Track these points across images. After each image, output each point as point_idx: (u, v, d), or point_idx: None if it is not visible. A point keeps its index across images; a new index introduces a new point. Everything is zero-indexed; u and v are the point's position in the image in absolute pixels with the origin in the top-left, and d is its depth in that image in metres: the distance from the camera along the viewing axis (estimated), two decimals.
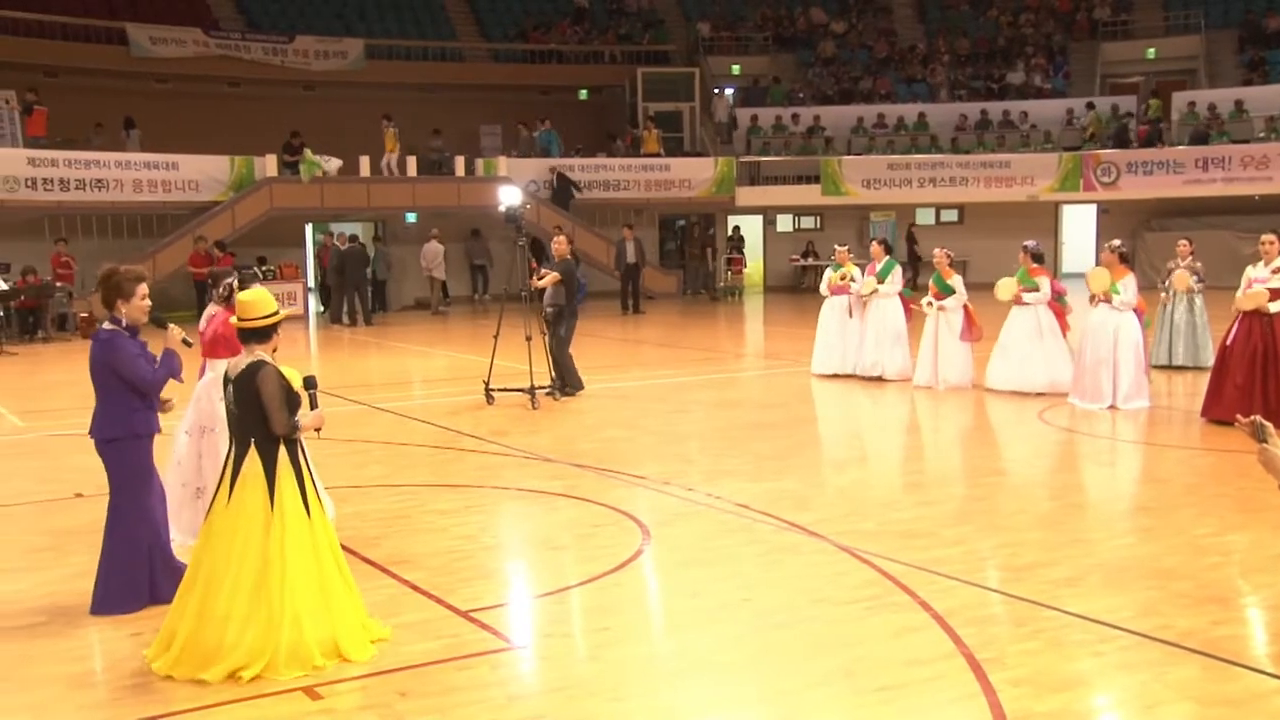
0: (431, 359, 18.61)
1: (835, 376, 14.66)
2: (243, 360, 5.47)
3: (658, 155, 30.46)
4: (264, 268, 25.82)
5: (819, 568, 6.87)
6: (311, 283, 27.62)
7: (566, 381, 13.41)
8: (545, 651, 5.64)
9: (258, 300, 5.53)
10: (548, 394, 13.10)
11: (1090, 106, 31.30)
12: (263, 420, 5.40)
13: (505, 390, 12.97)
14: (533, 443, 10.89)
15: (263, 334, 5.49)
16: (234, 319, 5.56)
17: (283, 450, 5.45)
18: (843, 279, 14.88)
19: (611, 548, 7.34)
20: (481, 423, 11.99)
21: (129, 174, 24.72)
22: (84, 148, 25.23)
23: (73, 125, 25.87)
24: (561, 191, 28.33)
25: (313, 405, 5.61)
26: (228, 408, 5.54)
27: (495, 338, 13.05)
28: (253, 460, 5.41)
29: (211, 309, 7.94)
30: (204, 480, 7.39)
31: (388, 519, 8.20)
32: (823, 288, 15.29)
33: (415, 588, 6.59)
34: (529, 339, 12.71)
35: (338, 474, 9.70)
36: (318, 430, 5.64)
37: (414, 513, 8.39)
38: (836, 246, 15.49)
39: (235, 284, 7.64)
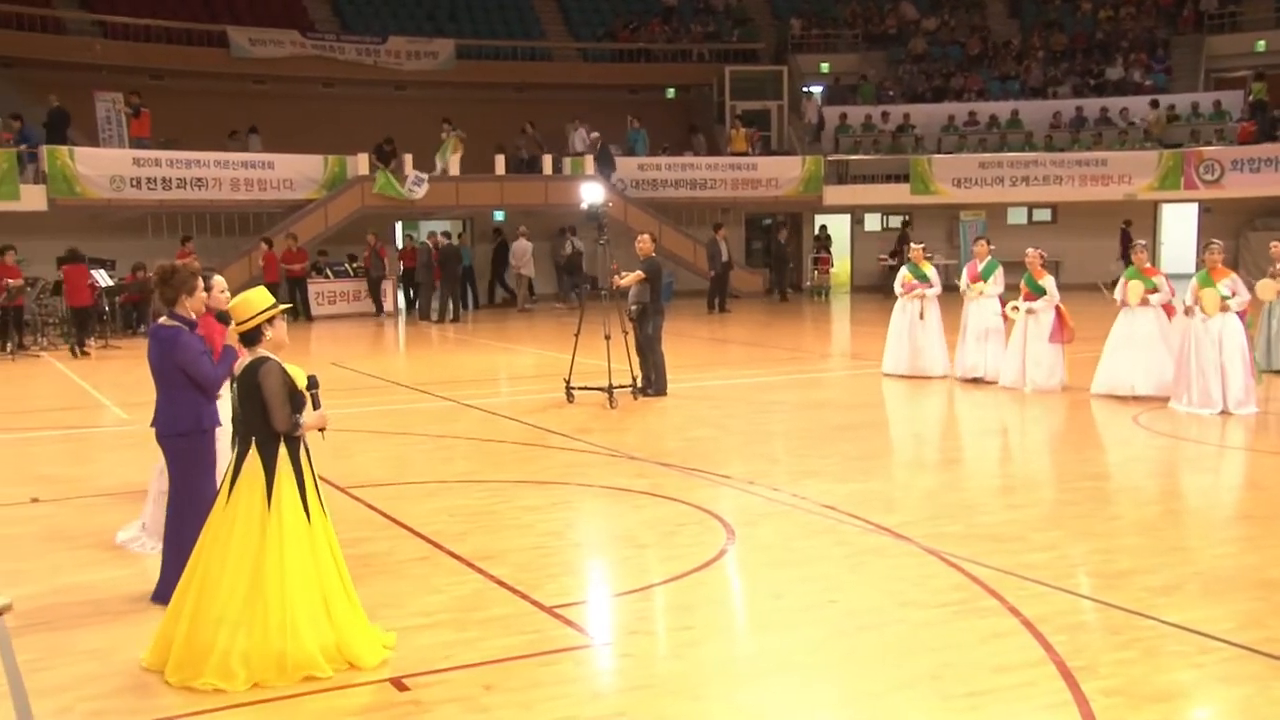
0: (518, 356, 18.77)
1: (907, 377, 14.54)
2: (246, 358, 5.49)
3: (746, 154, 30.33)
4: (354, 264, 26.32)
5: (905, 570, 6.79)
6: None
7: (655, 381, 13.44)
8: (627, 649, 5.64)
9: (243, 303, 5.51)
10: (631, 392, 13.11)
11: (1154, 105, 30.46)
12: (264, 418, 5.37)
13: (585, 389, 13.04)
14: (618, 441, 10.92)
15: (251, 336, 5.47)
16: (232, 325, 5.56)
17: (283, 450, 5.41)
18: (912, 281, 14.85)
19: (695, 547, 7.33)
20: (567, 420, 12.06)
21: (227, 173, 25.35)
22: (222, 149, 25.91)
23: (175, 126, 26.62)
24: (603, 160, 28.30)
25: (315, 405, 5.53)
26: (233, 406, 5.55)
27: (576, 336, 13.12)
28: (253, 459, 5.37)
29: None
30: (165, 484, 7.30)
31: (474, 514, 8.28)
32: (896, 286, 15.15)
33: (500, 583, 6.65)
34: (608, 337, 12.73)
35: (425, 469, 9.85)
36: (321, 431, 5.57)
37: (500, 508, 8.47)
38: (912, 245, 15.31)
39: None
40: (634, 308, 13.42)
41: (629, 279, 13.29)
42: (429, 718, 4.90)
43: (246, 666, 5.17)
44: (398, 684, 5.21)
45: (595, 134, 28.70)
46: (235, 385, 5.49)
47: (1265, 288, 14.19)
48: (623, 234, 27.47)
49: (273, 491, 5.34)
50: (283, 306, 5.59)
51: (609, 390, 12.73)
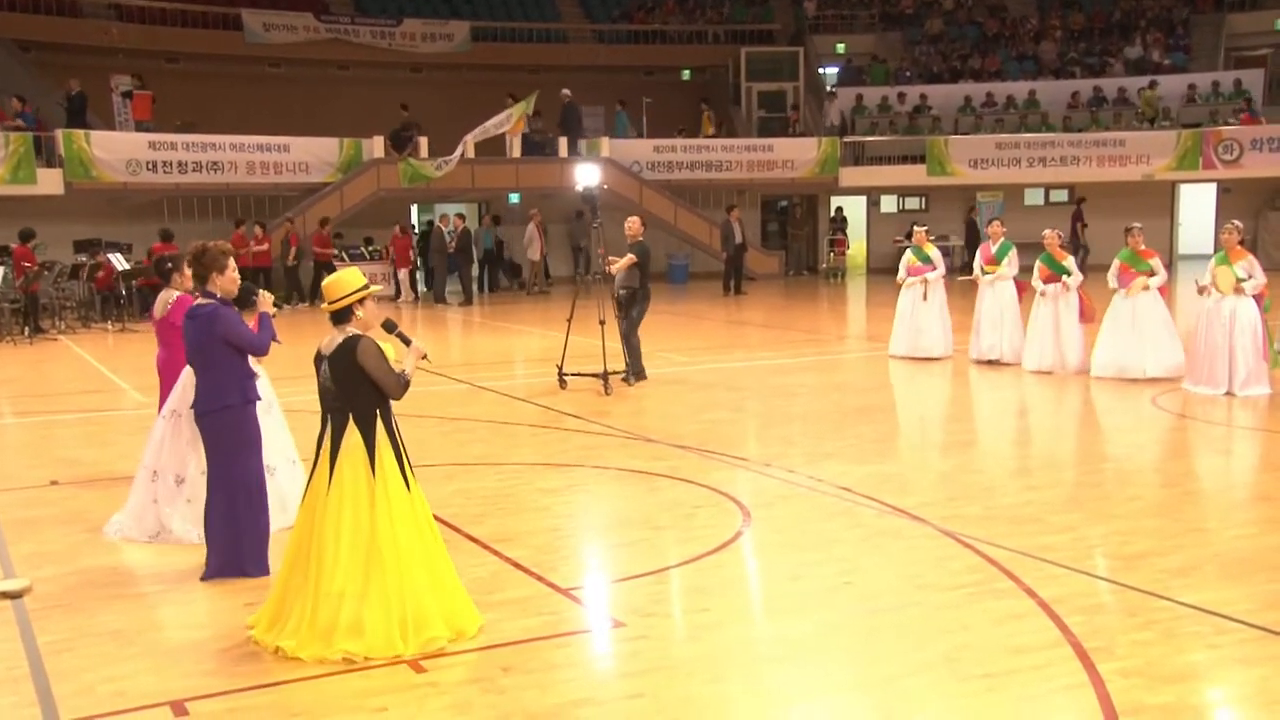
0: (531, 339, 18.79)
1: (909, 359, 14.58)
2: (336, 337, 5.51)
3: (712, 137, 30.13)
4: (370, 248, 26.33)
5: (921, 552, 6.79)
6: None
7: (631, 363, 13.20)
8: (645, 631, 5.65)
9: (335, 283, 5.54)
10: (622, 379, 12.93)
11: (1152, 85, 30.20)
12: (362, 394, 5.44)
13: (578, 375, 12.90)
14: (634, 423, 10.93)
15: (341, 316, 5.51)
16: (323, 304, 5.62)
17: (379, 423, 5.49)
18: (917, 262, 14.86)
19: (712, 529, 7.34)
20: (583, 403, 12.07)
21: (242, 156, 25.39)
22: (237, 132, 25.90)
23: (191, 109, 26.70)
24: (569, 121, 28.01)
25: (406, 342, 5.65)
26: (322, 385, 5.57)
27: (569, 321, 13.04)
28: (352, 434, 5.45)
29: (172, 293, 8.02)
30: (161, 465, 7.34)
31: (491, 497, 8.31)
32: (900, 272, 15.12)
33: (517, 565, 6.67)
34: (602, 323, 12.64)
35: (442, 452, 9.87)
36: (426, 357, 5.67)
37: (517, 491, 8.49)
38: (915, 228, 15.31)
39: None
40: (622, 292, 13.15)
41: (620, 264, 13.07)
42: (447, 699, 4.92)
43: (372, 633, 5.28)
44: (415, 666, 5.24)
45: (565, 91, 28.45)
46: (326, 364, 5.52)
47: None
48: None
49: (375, 462, 5.44)
50: (374, 288, 5.63)
51: (604, 376, 12.62)
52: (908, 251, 15.26)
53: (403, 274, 25.50)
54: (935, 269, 14.81)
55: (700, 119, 30.73)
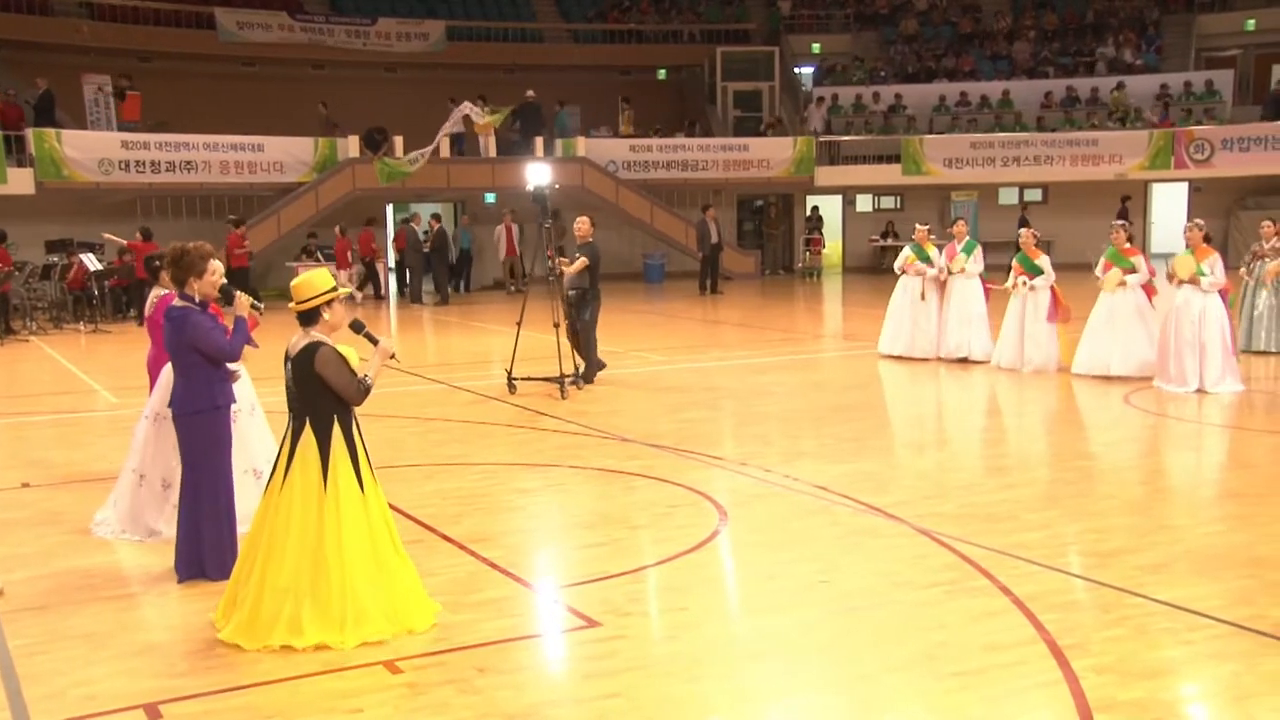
0: (508, 338, 18.71)
1: (903, 358, 14.57)
2: (301, 340, 5.52)
3: (632, 136, 30.17)
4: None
5: (898, 551, 6.81)
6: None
7: (588, 366, 13.04)
8: (622, 630, 5.65)
9: (303, 283, 5.55)
10: (571, 383, 12.64)
11: (1120, 86, 30.47)
12: (320, 399, 5.46)
13: (529, 379, 12.73)
14: (611, 423, 10.92)
15: (309, 316, 5.52)
16: (291, 304, 5.59)
17: (337, 426, 5.51)
18: (912, 261, 14.83)
19: (689, 528, 7.35)
20: (559, 402, 12.05)
21: (216, 155, 25.24)
22: (211, 132, 25.62)
23: (164, 109, 26.52)
24: (529, 121, 27.90)
25: (374, 342, 5.66)
26: (286, 384, 5.60)
27: (519, 324, 12.96)
28: (308, 436, 5.49)
29: (159, 291, 7.98)
30: (145, 467, 7.32)
31: (468, 497, 8.29)
32: (897, 266, 15.12)
33: (494, 565, 6.66)
34: (557, 325, 12.56)
35: (418, 452, 9.84)
36: (394, 356, 5.68)
37: (493, 491, 8.47)
38: (917, 225, 15.32)
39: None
40: (572, 293, 12.97)
41: (574, 267, 12.88)
42: (423, 700, 4.91)
43: (311, 627, 5.38)
44: (391, 667, 5.22)
45: (530, 93, 28.38)
46: (289, 365, 5.54)
47: (1275, 270, 14.26)
48: (614, 215, 27.46)
49: (328, 471, 5.47)
50: (343, 290, 5.64)
51: (560, 380, 12.42)
52: (906, 249, 15.21)
53: (342, 275, 25.28)
54: (934, 268, 14.77)
55: (621, 117, 30.67)
